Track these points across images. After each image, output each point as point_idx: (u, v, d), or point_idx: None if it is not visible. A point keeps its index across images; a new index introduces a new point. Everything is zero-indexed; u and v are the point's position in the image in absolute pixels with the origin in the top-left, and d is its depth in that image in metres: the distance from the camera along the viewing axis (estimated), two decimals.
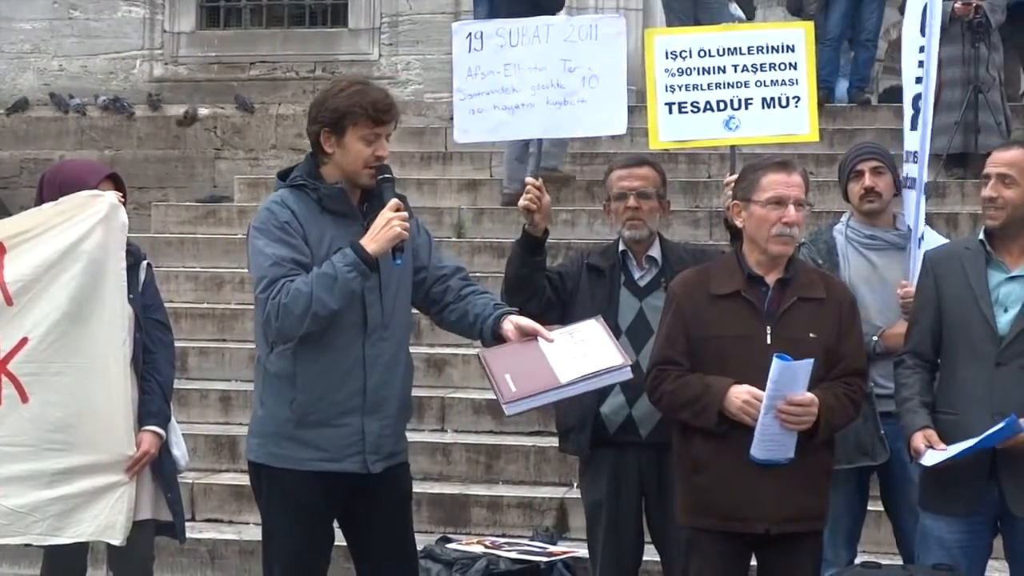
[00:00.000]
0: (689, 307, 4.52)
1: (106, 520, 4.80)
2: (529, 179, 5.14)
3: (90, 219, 4.74)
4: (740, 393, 4.35)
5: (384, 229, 4.29)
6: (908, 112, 5.53)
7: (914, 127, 5.45)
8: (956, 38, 9.58)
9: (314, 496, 4.39)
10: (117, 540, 4.83)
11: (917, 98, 5.44)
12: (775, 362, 4.25)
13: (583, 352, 4.35)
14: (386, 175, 4.43)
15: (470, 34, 5.47)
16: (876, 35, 10.93)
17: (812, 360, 4.32)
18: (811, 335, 4.43)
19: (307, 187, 4.41)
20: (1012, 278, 4.55)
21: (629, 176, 5.11)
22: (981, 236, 4.63)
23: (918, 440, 4.51)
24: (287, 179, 4.48)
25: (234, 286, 9.49)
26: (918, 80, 5.44)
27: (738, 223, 4.58)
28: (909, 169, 5.44)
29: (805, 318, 4.46)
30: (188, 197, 11.98)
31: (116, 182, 5.05)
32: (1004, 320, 4.51)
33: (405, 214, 4.33)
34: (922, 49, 5.44)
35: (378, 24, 12.70)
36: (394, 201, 4.33)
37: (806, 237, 5.24)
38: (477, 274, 8.30)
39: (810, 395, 4.33)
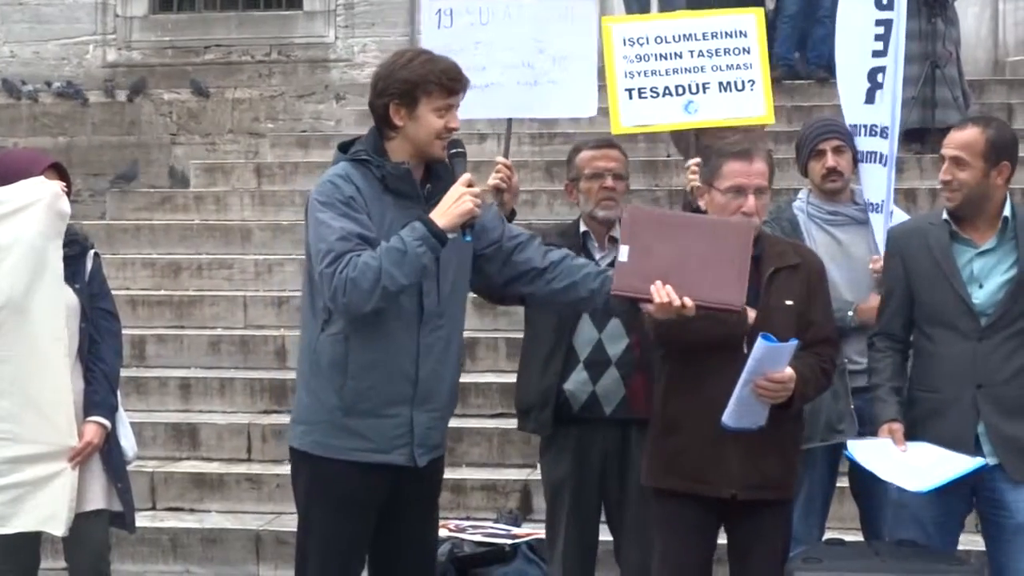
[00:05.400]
0: None
1: (48, 511, 4.75)
2: (500, 159, 5.10)
3: (32, 208, 4.67)
4: None
5: (456, 204, 4.08)
6: (862, 86, 5.51)
7: (870, 100, 5.44)
8: (913, 13, 9.55)
9: (357, 488, 4.23)
10: (59, 531, 4.77)
11: (875, 71, 5.44)
12: (759, 342, 4.23)
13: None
14: (458, 149, 4.26)
15: (439, 10, 5.40)
16: (833, 12, 10.88)
17: (796, 342, 4.31)
18: (787, 302, 4.44)
19: (371, 163, 4.21)
20: (982, 252, 4.54)
21: (604, 157, 5.07)
22: (945, 215, 4.60)
23: (884, 434, 4.53)
24: (347, 152, 4.29)
25: (191, 272, 9.42)
26: (875, 53, 5.44)
27: (701, 204, 4.57)
28: (865, 143, 5.43)
29: (782, 285, 4.46)
30: (144, 183, 11.85)
31: (60, 172, 4.98)
32: (981, 295, 4.49)
33: (477, 190, 4.14)
34: (878, 23, 5.47)
35: (333, 7, 12.63)
36: (467, 176, 4.15)
37: (767, 216, 5.23)
38: None
39: (790, 372, 4.32)
